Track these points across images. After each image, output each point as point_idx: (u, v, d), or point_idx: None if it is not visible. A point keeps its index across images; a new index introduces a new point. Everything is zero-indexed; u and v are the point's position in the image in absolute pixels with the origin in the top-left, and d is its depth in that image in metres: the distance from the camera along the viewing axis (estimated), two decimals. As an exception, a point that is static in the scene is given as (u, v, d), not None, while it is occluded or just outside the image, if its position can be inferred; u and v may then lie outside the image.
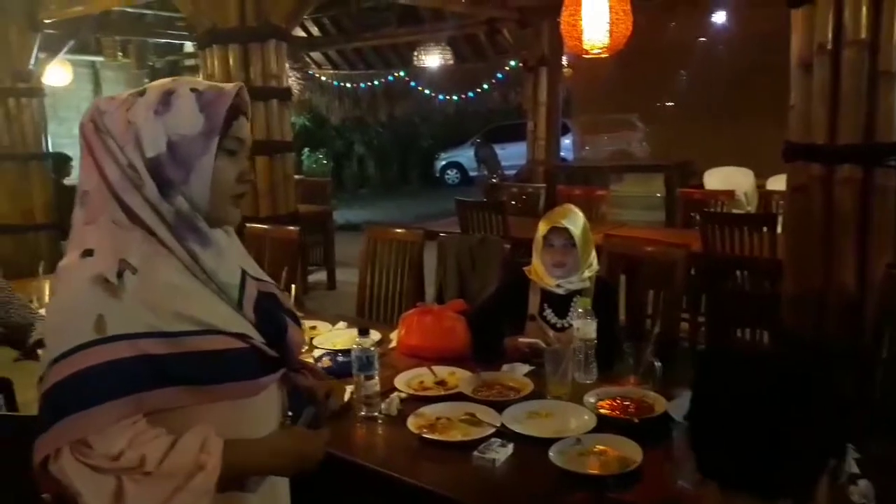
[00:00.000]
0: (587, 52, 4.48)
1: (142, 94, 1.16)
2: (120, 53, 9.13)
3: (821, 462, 0.86)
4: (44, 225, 6.21)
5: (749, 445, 0.85)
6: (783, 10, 2.70)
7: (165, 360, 1.07)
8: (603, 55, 4.52)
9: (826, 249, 2.57)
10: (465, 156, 15.61)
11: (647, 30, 4.58)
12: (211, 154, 1.14)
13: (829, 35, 2.46)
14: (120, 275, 1.07)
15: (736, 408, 0.86)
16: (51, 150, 6.34)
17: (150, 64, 10.16)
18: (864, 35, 2.40)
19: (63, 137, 9.76)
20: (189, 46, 10.07)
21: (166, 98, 1.14)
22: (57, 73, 7.33)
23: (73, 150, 11.45)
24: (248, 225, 3.60)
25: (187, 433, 1.08)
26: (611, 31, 4.32)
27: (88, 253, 1.10)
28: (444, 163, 15.97)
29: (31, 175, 6.13)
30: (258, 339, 1.18)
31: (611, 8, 4.26)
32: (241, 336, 1.15)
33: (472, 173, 15.19)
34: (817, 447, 0.85)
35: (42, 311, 2.85)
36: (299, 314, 1.40)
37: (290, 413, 1.32)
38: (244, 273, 1.21)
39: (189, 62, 10.33)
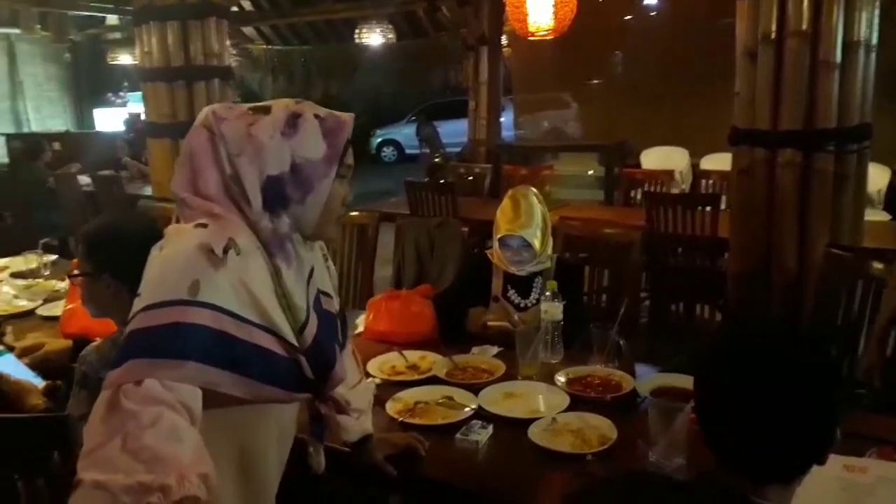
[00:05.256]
0: (532, 34, 4.54)
1: (266, 111, 1.21)
2: (38, 26, 8.64)
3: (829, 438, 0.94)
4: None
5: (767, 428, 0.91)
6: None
7: (235, 343, 1.11)
8: (548, 37, 4.59)
9: (769, 229, 2.73)
10: (402, 133, 15.38)
11: (589, 10, 4.66)
12: (331, 178, 1.22)
13: (773, 26, 2.58)
14: (226, 251, 1.11)
15: (755, 392, 0.91)
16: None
17: (71, 38, 9.64)
18: (805, 27, 2.53)
19: (-22, 115, 9.19)
20: (112, 19, 9.59)
21: (293, 120, 1.20)
22: (-29, 47, 6.90)
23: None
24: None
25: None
26: (555, 14, 4.38)
27: (202, 225, 1.15)
28: (379, 140, 15.73)
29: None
30: (303, 359, 1.22)
31: (556, -10, 4.32)
32: (293, 348, 1.20)
33: (408, 151, 15.03)
34: (823, 427, 0.93)
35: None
36: None
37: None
38: (317, 299, 1.27)
39: (112, 35, 9.85)
